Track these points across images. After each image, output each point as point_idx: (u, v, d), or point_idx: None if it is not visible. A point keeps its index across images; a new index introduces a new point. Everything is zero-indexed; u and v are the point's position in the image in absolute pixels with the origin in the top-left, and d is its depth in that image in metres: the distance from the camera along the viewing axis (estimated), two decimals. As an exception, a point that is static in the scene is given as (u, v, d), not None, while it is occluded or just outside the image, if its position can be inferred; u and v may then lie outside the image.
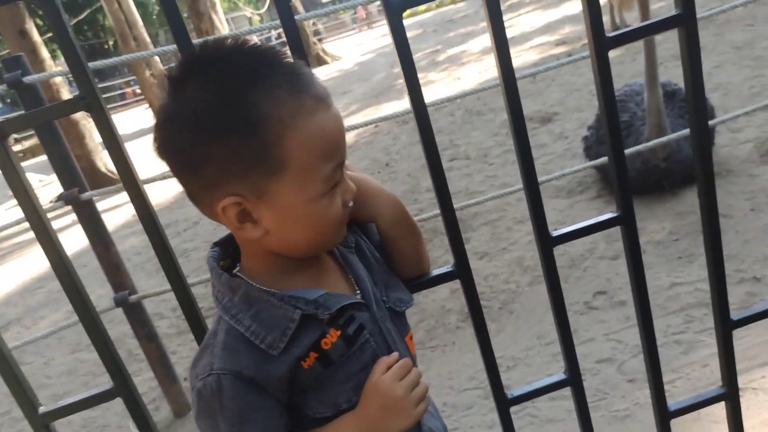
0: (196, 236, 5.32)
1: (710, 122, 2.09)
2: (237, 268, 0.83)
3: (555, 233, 1.09)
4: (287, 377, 0.77)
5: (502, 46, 0.95)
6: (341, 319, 0.79)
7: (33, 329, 4.35)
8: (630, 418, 1.95)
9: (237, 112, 0.68)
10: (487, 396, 2.23)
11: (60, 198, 2.18)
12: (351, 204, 0.80)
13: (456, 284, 1.09)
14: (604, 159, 2.98)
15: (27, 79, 2.06)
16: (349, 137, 5.84)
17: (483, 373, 2.43)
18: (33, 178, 10.73)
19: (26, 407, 1.06)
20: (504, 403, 1.16)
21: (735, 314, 1.17)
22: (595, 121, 3.69)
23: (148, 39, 13.21)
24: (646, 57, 3.10)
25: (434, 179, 1.02)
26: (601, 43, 0.97)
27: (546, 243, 1.08)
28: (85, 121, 7.84)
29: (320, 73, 14.45)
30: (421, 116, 0.98)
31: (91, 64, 2.14)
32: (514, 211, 3.79)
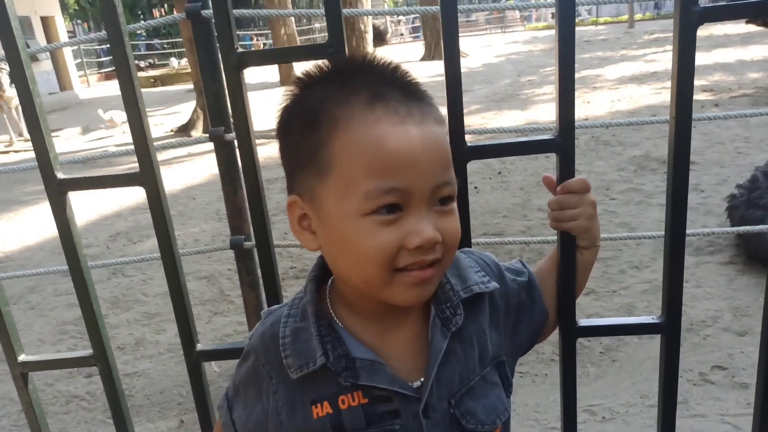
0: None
1: None
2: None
3: None
4: (301, 411, 0.71)
5: (685, 82, 0.83)
6: (377, 390, 0.69)
7: (138, 245, 4.60)
8: None
9: (304, 107, 0.67)
10: (576, 442, 2.09)
11: (188, 132, 2.22)
12: (431, 257, 0.65)
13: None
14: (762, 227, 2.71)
15: (205, 12, 2.11)
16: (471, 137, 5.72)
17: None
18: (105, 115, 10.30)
19: (186, 343, 1.07)
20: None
21: None
22: (748, 181, 3.37)
23: (289, -1, 13.66)
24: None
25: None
26: None
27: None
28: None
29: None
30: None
31: (260, 12, 2.15)
32: (630, 254, 3.56)
